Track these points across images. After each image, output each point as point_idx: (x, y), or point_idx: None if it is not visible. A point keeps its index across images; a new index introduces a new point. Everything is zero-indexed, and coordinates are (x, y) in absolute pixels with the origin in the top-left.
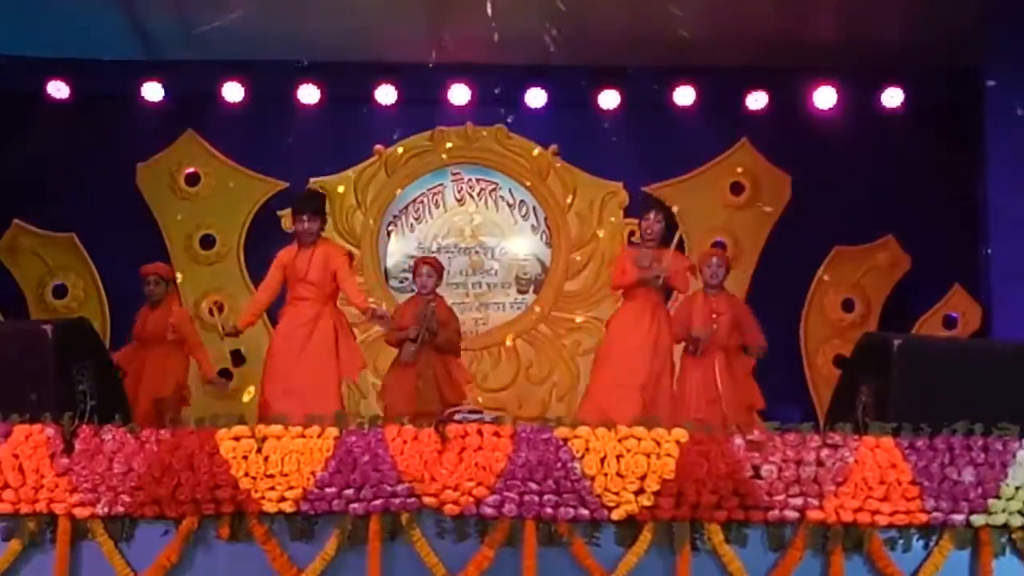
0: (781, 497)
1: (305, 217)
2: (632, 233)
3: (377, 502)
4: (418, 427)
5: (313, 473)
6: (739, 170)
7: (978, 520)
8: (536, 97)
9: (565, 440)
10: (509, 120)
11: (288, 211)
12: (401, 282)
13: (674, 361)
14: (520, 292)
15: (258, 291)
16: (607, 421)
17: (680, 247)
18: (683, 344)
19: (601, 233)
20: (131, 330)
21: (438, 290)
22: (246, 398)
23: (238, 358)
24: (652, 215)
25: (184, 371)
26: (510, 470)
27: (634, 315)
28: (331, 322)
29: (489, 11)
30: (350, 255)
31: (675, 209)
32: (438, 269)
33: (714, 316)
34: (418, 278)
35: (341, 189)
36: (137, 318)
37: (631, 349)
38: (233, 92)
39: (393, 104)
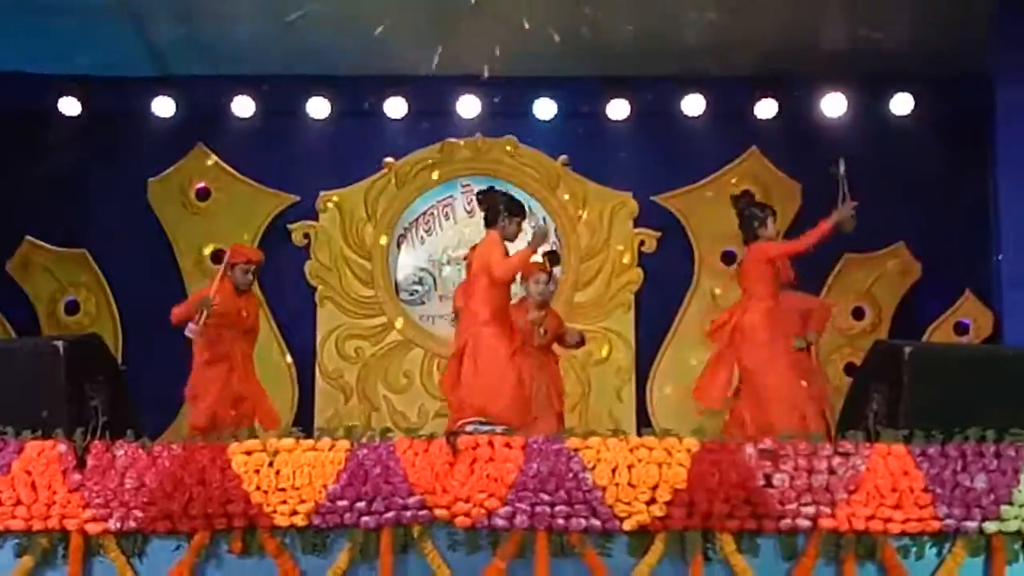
0: (793, 506)
1: None
2: (642, 243)
3: (389, 515)
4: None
5: (325, 486)
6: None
7: (991, 527)
8: (545, 108)
9: (576, 451)
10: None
11: (298, 224)
12: (411, 295)
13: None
14: None
15: None
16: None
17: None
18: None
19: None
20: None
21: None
22: None
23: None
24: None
25: None
26: (521, 481)
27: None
28: None
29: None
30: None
31: (686, 219)
32: (554, 279)
33: None
34: (535, 284)
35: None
36: (221, 302)
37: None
38: (243, 107)
39: (403, 117)
